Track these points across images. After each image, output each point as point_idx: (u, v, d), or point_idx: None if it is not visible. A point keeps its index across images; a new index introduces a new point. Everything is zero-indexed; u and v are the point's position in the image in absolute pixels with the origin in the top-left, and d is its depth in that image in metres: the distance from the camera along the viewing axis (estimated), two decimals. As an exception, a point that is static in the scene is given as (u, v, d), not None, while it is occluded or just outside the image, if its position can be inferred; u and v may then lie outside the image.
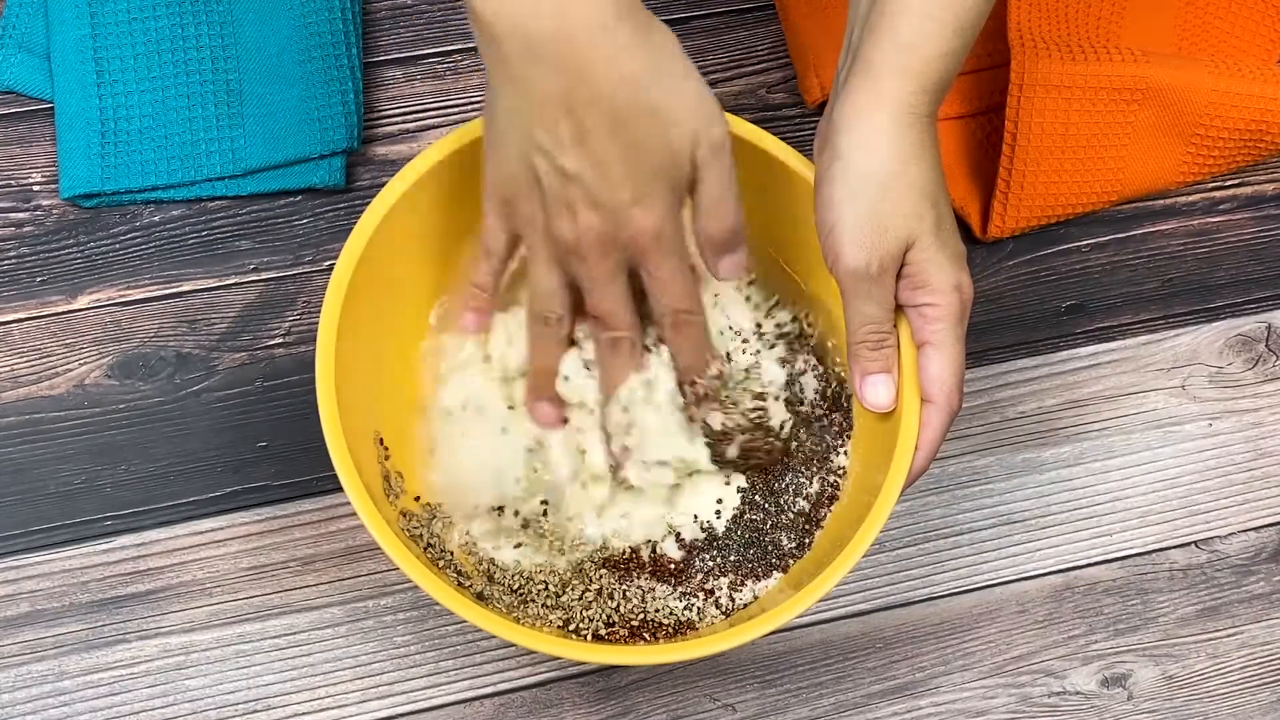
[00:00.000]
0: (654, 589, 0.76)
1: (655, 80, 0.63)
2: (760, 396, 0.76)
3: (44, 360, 0.84)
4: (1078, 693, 0.82)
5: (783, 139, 0.75)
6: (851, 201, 0.67)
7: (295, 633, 0.80)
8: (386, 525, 0.68)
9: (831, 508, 0.77)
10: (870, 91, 0.67)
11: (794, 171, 0.75)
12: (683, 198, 0.67)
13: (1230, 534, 0.86)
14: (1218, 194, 0.93)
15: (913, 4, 0.67)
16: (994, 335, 0.88)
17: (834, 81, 0.71)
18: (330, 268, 0.85)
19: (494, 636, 0.79)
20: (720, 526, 0.77)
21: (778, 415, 0.77)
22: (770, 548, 0.77)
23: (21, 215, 0.86)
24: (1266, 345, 0.90)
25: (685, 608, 0.75)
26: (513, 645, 0.80)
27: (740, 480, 0.78)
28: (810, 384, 0.79)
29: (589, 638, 0.73)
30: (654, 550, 0.77)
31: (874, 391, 0.71)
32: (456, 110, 0.91)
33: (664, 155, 0.65)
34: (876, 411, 0.72)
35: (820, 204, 0.69)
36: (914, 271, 0.68)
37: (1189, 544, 0.86)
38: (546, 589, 0.75)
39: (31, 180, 0.87)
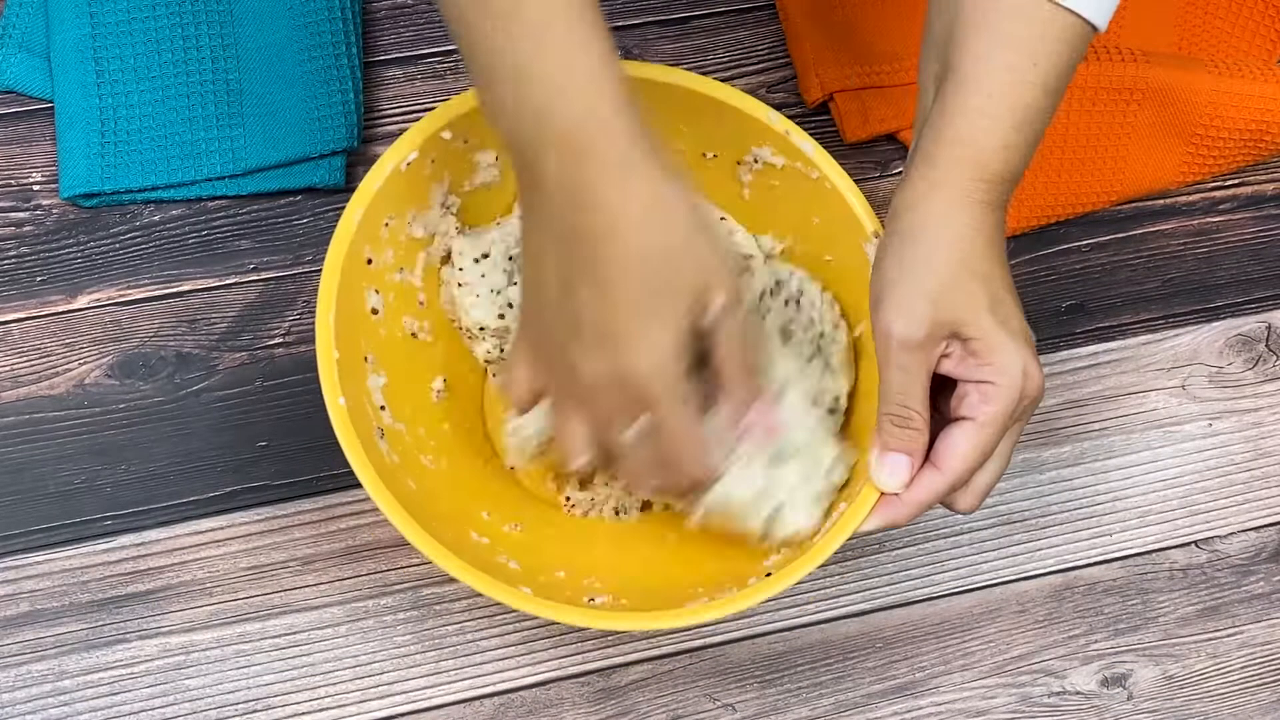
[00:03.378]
0: None
1: (688, 239, 0.64)
2: None
3: (44, 360, 0.84)
4: (1078, 693, 0.82)
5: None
6: (900, 275, 0.68)
7: (295, 633, 0.80)
8: (403, 510, 0.68)
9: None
10: (927, 179, 0.69)
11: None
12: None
13: (1230, 534, 0.86)
14: (1218, 194, 0.93)
15: (970, 103, 0.68)
16: (994, 335, 0.88)
17: (905, 170, 0.72)
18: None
19: (494, 636, 0.79)
20: None
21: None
22: None
23: (21, 215, 0.86)
24: (1266, 345, 0.90)
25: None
26: (513, 645, 0.80)
27: None
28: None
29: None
30: None
31: (888, 471, 0.69)
32: (456, 110, 0.91)
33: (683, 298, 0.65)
34: (883, 490, 0.69)
35: (874, 278, 0.70)
36: (977, 348, 0.68)
37: (1189, 544, 0.86)
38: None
39: (31, 180, 0.87)
